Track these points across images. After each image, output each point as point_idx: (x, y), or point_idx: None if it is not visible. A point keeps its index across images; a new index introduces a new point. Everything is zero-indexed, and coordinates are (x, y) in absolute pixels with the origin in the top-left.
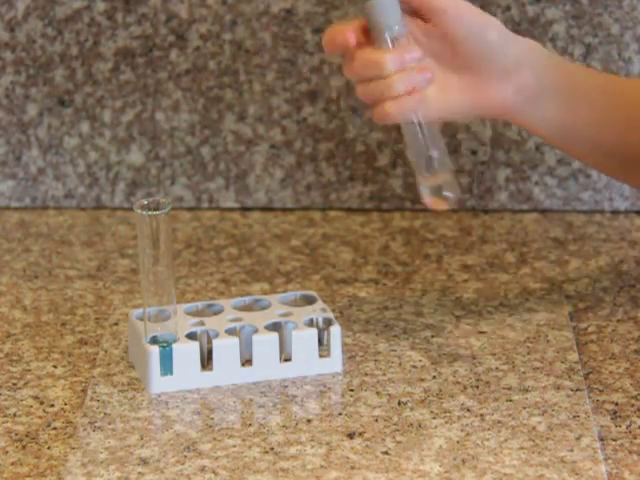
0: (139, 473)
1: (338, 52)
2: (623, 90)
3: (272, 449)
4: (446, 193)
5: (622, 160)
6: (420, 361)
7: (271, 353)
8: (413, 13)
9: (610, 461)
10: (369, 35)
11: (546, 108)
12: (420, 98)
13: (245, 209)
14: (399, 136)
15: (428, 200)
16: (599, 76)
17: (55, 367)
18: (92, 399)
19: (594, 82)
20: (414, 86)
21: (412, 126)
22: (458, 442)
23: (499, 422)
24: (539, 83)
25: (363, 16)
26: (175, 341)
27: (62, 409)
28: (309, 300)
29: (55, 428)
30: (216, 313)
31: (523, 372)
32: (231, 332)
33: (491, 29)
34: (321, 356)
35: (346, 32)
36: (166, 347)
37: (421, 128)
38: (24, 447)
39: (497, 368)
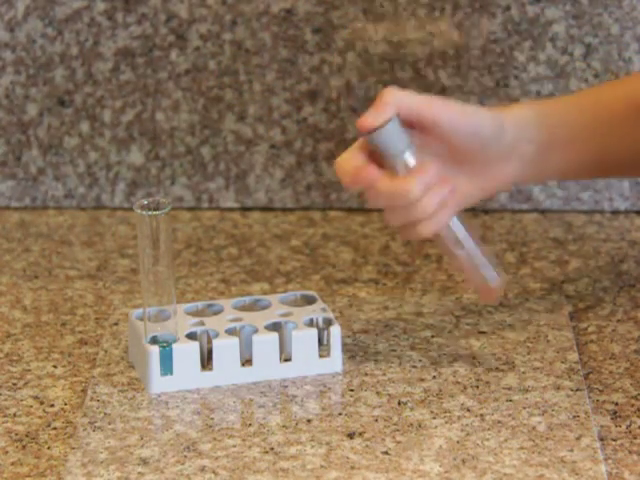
0: (139, 473)
1: (360, 187)
2: (605, 104)
3: (272, 449)
4: (494, 285)
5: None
6: (420, 361)
7: (271, 353)
8: (409, 125)
9: (610, 461)
10: (380, 159)
11: (552, 164)
12: (450, 210)
13: (245, 209)
14: None
15: (481, 296)
16: (585, 105)
17: (55, 367)
18: (92, 399)
19: (583, 115)
20: (442, 201)
21: (452, 244)
22: (458, 442)
23: (499, 422)
24: (540, 148)
25: (370, 145)
26: (175, 341)
27: (62, 409)
28: (309, 300)
29: (55, 428)
30: (216, 313)
31: (523, 372)
32: (231, 332)
33: (484, 127)
34: (321, 356)
35: (364, 169)
36: (166, 347)
37: (459, 241)
38: (24, 447)
39: (497, 368)
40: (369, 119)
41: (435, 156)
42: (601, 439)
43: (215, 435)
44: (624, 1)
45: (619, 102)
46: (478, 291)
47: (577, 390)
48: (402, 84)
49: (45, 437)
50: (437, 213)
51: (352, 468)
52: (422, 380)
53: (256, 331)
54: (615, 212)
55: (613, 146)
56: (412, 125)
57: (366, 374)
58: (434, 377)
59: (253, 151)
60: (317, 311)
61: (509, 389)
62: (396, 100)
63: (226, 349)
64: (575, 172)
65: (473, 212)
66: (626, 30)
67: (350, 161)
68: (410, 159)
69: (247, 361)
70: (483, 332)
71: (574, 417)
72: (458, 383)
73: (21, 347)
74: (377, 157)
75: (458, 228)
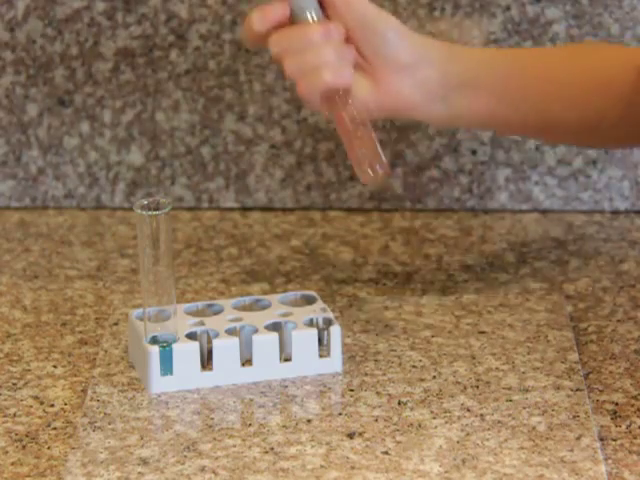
0: (139, 473)
1: (260, 35)
2: (539, 65)
3: (272, 449)
4: (377, 167)
5: (568, 133)
6: (420, 361)
7: (271, 353)
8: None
9: (610, 461)
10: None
11: (457, 104)
12: (351, 69)
13: (245, 209)
14: (399, 136)
15: (361, 176)
16: (514, 60)
17: (55, 367)
18: (92, 399)
19: (510, 69)
20: (344, 55)
21: (346, 111)
22: (458, 442)
23: (499, 422)
24: (446, 81)
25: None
26: (175, 341)
27: (62, 409)
28: (309, 300)
29: (55, 428)
30: (216, 313)
31: (523, 372)
32: (231, 332)
33: (383, 23)
34: (321, 356)
35: (272, 12)
36: (166, 347)
37: (352, 112)
38: (24, 447)
39: (497, 368)
40: None
41: None
42: (601, 439)
43: (215, 435)
44: (624, 1)
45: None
46: (362, 171)
47: (577, 390)
48: None
49: (45, 437)
50: (339, 66)
51: (352, 468)
52: (422, 380)
53: (256, 331)
54: (615, 212)
55: (550, 106)
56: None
57: (366, 374)
58: (434, 377)
59: (253, 151)
60: (317, 311)
61: (509, 389)
62: None
63: (226, 349)
64: (483, 120)
65: (473, 212)
66: (626, 30)
67: (265, 7)
68: (317, 16)
69: (247, 361)
70: (483, 332)
71: (574, 417)
72: (458, 383)
73: (21, 347)
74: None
75: (354, 101)
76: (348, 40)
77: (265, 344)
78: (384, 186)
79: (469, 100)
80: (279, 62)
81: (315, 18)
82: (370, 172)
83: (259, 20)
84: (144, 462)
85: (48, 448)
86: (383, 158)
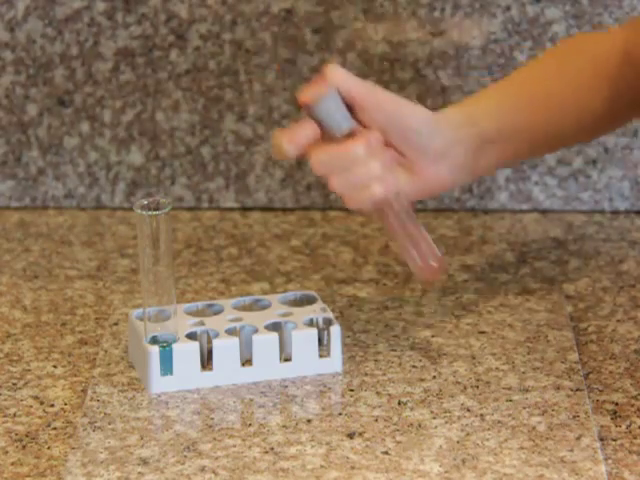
0: (139, 473)
1: (294, 154)
2: (536, 89)
3: (272, 449)
4: (432, 262)
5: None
6: (420, 361)
7: (271, 353)
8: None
9: (610, 461)
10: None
11: (486, 162)
12: (396, 175)
13: (245, 209)
14: None
15: (418, 274)
16: (519, 97)
17: (55, 367)
18: (92, 399)
19: (520, 107)
20: (388, 164)
21: (396, 215)
22: (458, 442)
23: (499, 422)
24: (470, 153)
25: (312, 119)
26: (175, 341)
27: (62, 409)
28: (309, 300)
29: (55, 428)
30: (216, 313)
31: (523, 372)
32: (231, 332)
33: (414, 117)
34: (321, 356)
35: (305, 131)
36: (166, 347)
37: (402, 214)
38: (24, 447)
39: (497, 368)
40: (310, 92)
41: None
42: (601, 439)
43: (215, 435)
44: (624, 1)
45: (554, 78)
46: (419, 269)
47: (577, 390)
48: (402, 84)
49: (45, 437)
50: (384, 176)
51: (352, 468)
52: (422, 380)
53: (256, 331)
54: (615, 212)
55: (554, 120)
56: (348, 108)
57: (366, 374)
58: (434, 377)
59: (253, 151)
60: (317, 311)
61: (509, 389)
62: (337, 78)
63: (226, 349)
64: (512, 161)
65: (473, 212)
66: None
67: (293, 130)
68: (349, 124)
69: (247, 361)
70: (483, 332)
71: (574, 417)
72: (458, 383)
73: (21, 347)
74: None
75: (403, 203)
76: (384, 141)
77: (265, 344)
78: (441, 279)
79: (489, 156)
80: (325, 178)
81: (348, 127)
82: (427, 269)
83: (290, 146)
84: (144, 462)
85: (48, 448)
86: (437, 252)
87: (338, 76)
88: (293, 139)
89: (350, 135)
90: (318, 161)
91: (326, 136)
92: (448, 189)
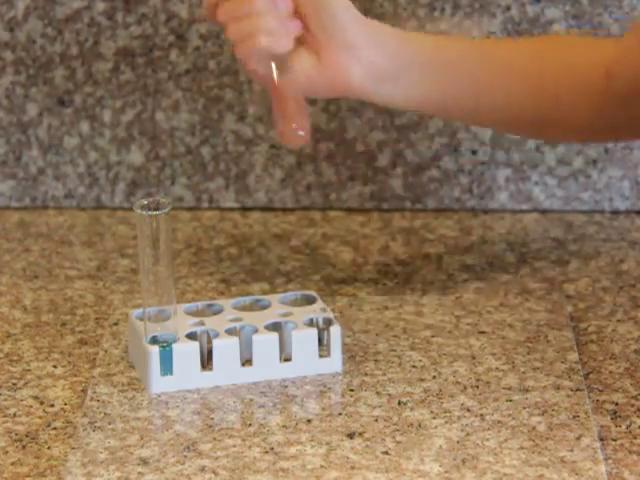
0: (139, 473)
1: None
2: (498, 57)
3: (272, 449)
4: (300, 131)
5: (517, 123)
6: (420, 361)
7: (271, 353)
8: None
9: (610, 461)
10: None
11: (408, 86)
12: (291, 40)
13: (245, 209)
14: (399, 136)
15: (281, 136)
16: (473, 46)
17: (55, 367)
18: (92, 399)
19: (467, 54)
20: (287, 27)
21: (278, 75)
22: (458, 442)
23: (499, 422)
24: (393, 62)
25: None
26: (175, 341)
27: (62, 409)
28: (309, 300)
29: (55, 428)
30: (216, 313)
31: (523, 372)
32: (231, 332)
33: (334, 2)
34: (321, 356)
35: None
36: (166, 347)
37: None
38: (24, 447)
39: (497, 368)
40: None
41: None
42: (601, 439)
43: (215, 435)
44: (624, 1)
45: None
46: (285, 132)
47: (577, 390)
48: None
49: (45, 437)
50: (279, 35)
51: (352, 468)
52: (422, 380)
53: (256, 331)
54: (615, 212)
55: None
56: None
57: (366, 374)
58: (434, 377)
59: (253, 151)
60: (317, 311)
61: (509, 389)
62: None
63: (226, 349)
64: (437, 107)
65: (473, 212)
66: (626, 30)
67: None
68: None
69: (247, 361)
70: (483, 332)
71: (574, 417)
72: (458, 383)
73: (21, 347)
74: None
75: (290, 69)
76: (297, 15)
77: (265, 344)
78: (297, 146)
79: (418, 81)
80: (224, 29)
81: None
82: (291, 133)
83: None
84: (144, 462)
85: (48, 448)
86: (306, 123)
87: None
88: None
89: None
90: (223, 8)
91: None
92: (353, 91)
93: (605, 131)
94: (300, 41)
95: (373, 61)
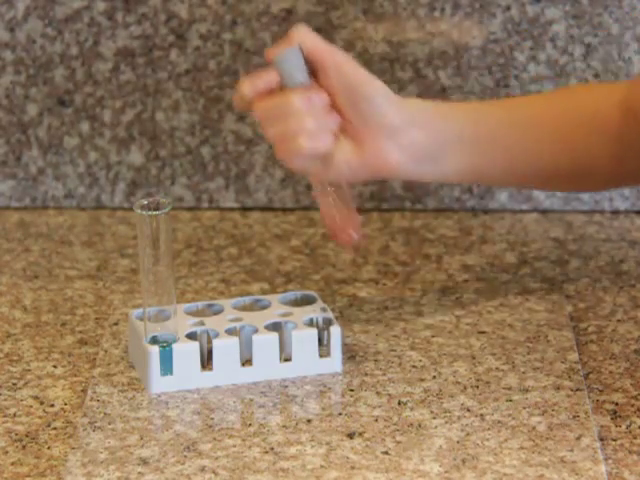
0: (139, 473)
1: (250, 102)
2: (528, 118)
3: (272, 449)
4: (352, 233)
5: (559, 180)
6: (420, 361)
7: (271, 353)
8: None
9: (610, 461)
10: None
11: (445, 163)
12: (331, 139)
13: (245, 209)
14: None
15: (337, 240)
16: (503, 112)
17: (55, 367)
18: (92, 399)
19: (499, 123)
20: (326, 125)
21: (322, 177)
22: (458, 442)
23: (499, 422)
24: (430, 142)
25: (275, 69)
26: (175, 341)
27: (62, 409)
28: (309, 300)
29: (55, 428)
30: (216, 313)
31: (523, 372)
32: (231, 332)
33: (371, 87)
34: (321, 356)
35: (261, 79)
36: (166, 347)
37: (330, 178)
38: (24, 447)
39: (497, 368)
40: (275, 47)
41: None
42: (601, 439)
43: (215, 435)
44: (624, 1)
45: (546, 114)
46: (338, 235)
47: (577, 390)
48: (402, 84)
49: (45, 437)
50: (318, 134)
51: (352, 468)
52: (422, 380)
53: (256, 331)
54: (615, 212)
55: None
56: (308, 66)
57: (366, 374)
58: (434, 377)
59: (253, 151)
60: (317, 311)
61: (509, 389)
62: (302, 36)
63: (226, 349)
64: (478, 177)
65: (473, 212)
66: (626, 30)
67: (255, 75)
68: (304, 82)
69: (247, 361)
70: (483, 332)
71: (574, 417)
72: (458, 383)
73: (21, 347)
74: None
75: (334, 168)
76: (335, 106)
77: (265, 344)
78: (356, 249)
79: (457, 157)
80: (262, 127)
81: (302, 83)
82: (344, 236)
83: (248, 87)
84: (144, 462)
85: (48, 448)
86: (358, 224)
87: (302, 34)
88: (253, 83)
89: (301, 90)
90: (260, 107)
91: (282, 90)
92: (395, 174)
93: (627, 175)
94: (338, 130)
95: (412, 143)
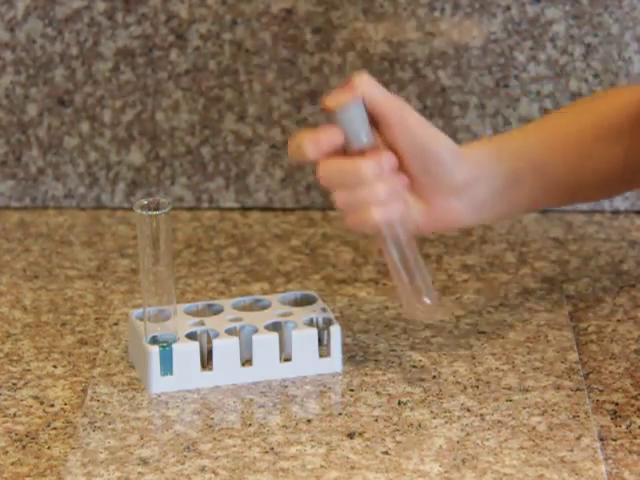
0: (139, 473)
1: (308, 160)
2: (566, 133)
3: (272, 449)
4: (426, 299)
5: (618, 185)
6: (420, 361)
7: (271, 353)
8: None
9: (610, 461)
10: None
11: (500, 207)
12: (401, 204)
13: (245, 209)
14: None
15: (409, 309)
16: (557, 138)
17: (55, 367)
18: (92, 399)
19: (555, 150)
20: (394, 191)
21: (393, 244)
22: (458, 442)
23: (499, 422)
24: (494, 191)
25: (334, 125)
26: (175, 341)
27: (62, 409)
28: (309, 300)
29: (55, 428)
30: (216, 313)
31: (523, 372)
32: (231, 332)
33: (437, 144)
34: (321, 356)
35: (325, 137)
36: (166, 347)
37: (401, 244)
38: (24, 447)
39: (497, 368)
40: (335, 98)
41: None
42: (601, 439)
43: (215, 435)
44: (624, 1)
45: (587, 124)
46: (407, 304)
47: (577, 390)
48: (402, 84)
49: (45, 437)
50: (388, 203)
51: (352, 468)
52: (422, 380)
53: (256, 331)
54: (615, 212)
55: (583, 169)
56: (371, 119)
57: (366, 374)
58: (434, 377)
59: (253, 151)
60: (317, 311)
61: (509, 389)
62: (364, 86)
63: (226, 349)
64: (543, 200)
65: None
66: (626, 30)
67: (318, 132)
68: (368, 147)
69: (247, 361)
70: (483, 332)
71: (574, 417)
72: (458, 383)
73: (21, 347)
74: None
75: (404, 232)
76: (400, 164)
77: (265, 344)
78: (434, 318)
79: (514, 198)
80: (328, 189)
81: (367, 143)
82: (419, 306)
83: (312, 148)
84: (144, 462)
85: (48, 448)
86: (432, 289)
87: (366, 85)
88: (317, 141)
89: (366, 151)
90: (326, 172)
91: (343, 147)
92: (463, 226)
93: None
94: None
95: (476, 196)
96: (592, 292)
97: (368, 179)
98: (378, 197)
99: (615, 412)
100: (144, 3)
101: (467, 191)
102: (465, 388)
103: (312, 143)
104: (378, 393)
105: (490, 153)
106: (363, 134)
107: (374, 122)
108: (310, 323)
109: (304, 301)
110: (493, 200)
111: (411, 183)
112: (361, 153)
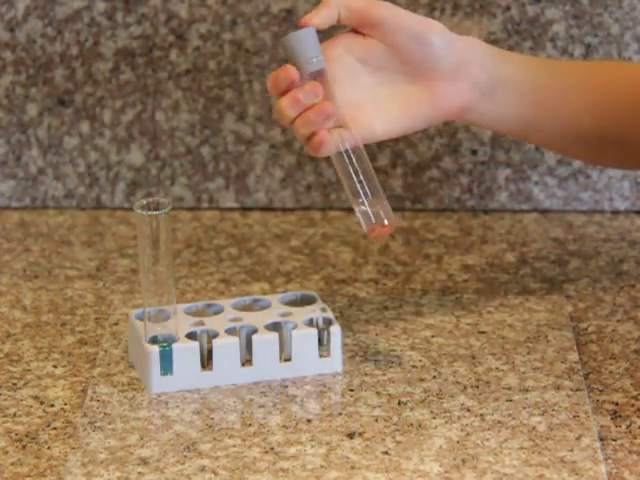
0: (139, 473)
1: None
2: (590, 77)
3: (272, 449)
4: (384, 220)
5: (589, 145)
6: (420, 361)
7: (271, 353)
8: (354, 31)
9: (610, 461)
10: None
11: (502, 103)
12: (342, 131)
13: (245, 209)
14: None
15: (368, 229)
16: (560, 68)
17: (55, 367)
18: (92, 399)
19: (554, 75)
20: (313, 127)
21: (340, 157)
22: (458, 442)
23: (499, 422)
24: (492, 77)
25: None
26: (175, 341)
27: (62, 409)
28: (309, 300)
29: (55, 428)
30: (216, 313)
31: (523, 372)
32: (231, 332)
33: (431, 31)
34: (321, 356)
35: (277, 78)
36: (166, 347)
37: (349, 158)
38: (24, 447)
39: (497, 368)
40: (309, 16)
41: (387, 71)
42: (601, 439)
43: (215, 435)
44: (624, 1)
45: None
46: (367, 226)
47: (577, 390)
48: None
49: (45, 437)
50: (328, 132)
51: (352, 468)
52: (422, 380)
53: (256, 331)
54: (615, 212)
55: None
56: (358, 27)
57: (366, 374)
58: (434, 377)
59: (253, 151)
60: (317, 311)
61: (509, 389)
62: (341, 1)
63: (226, 349)
64: (521, 127)
65: (473, 212)
66: (626, 30)
67: (272, 74)
68: (319, 70)
69: (247, 361)
70: (483, 332)
71: (574, 417)
72: (458, 383)
73: (21, 347)
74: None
75: (357, 154)
76: (399, 58)
77: (265, 344)
78: (387, 236)
79: (512, 100)
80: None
81: (314, 70)
82: (377, 226)
83: (274, 88)
84: (144, 462)
85: (48, 448)
86: (389, 208)
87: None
88: (275, 81)
89: (316, 74)
90: (281, 105)
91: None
92: (467, 112)
93: None
94: (408, 81)
95: (476, 79)
96: (592, 292)
97: (287, 117)
98: (332, 114)
99: (615, 412)
100: (144, 3)
101: (462, 72)
102: (465, 388)
103: (272, 84)
104: (378, 393)
105: (487, 49)
106: (312, 57)
107: (366, 27)
108: (310, 323)
109: (304, 301)
110: (491, 90)
111: (412, 74)
112: (312, 78)
